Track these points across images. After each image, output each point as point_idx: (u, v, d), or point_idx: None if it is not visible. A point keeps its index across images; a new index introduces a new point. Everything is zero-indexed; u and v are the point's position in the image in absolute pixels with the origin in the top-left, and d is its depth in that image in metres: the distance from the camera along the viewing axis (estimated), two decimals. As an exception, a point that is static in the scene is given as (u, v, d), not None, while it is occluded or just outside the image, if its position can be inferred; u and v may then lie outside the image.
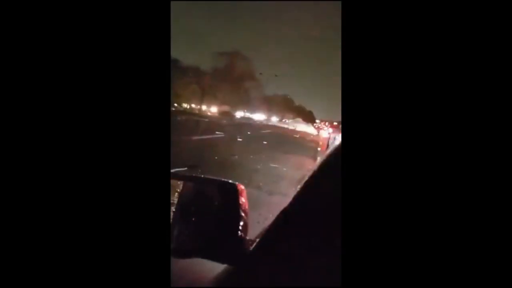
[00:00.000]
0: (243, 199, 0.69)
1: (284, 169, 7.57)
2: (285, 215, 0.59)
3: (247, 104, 46.93)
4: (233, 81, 41.66)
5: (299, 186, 0.60)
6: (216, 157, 7.72)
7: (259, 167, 7.27)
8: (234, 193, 0.70)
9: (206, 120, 23.44)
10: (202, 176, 0.81)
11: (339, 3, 0.49)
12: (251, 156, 8.67)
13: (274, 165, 7.84)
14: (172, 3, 0.65)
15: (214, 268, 0.68)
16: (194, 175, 0.82)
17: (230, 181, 0.72)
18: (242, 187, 0.71)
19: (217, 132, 14.45)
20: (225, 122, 24.79)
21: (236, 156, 8.28)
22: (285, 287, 0.55)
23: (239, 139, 13.27)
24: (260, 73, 46.62)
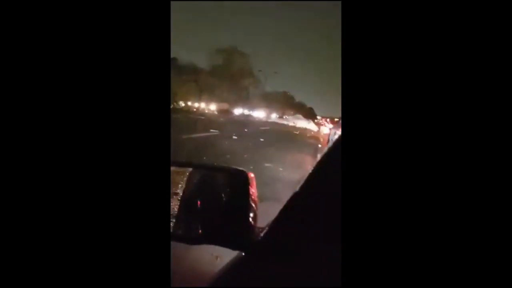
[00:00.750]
0: (252, 189, 0.70)
1: (280, 168, 6.88)
2: (285, 209, 0.60)
3: (246, 102, 46.40)
4: (231, 78, 41.03)
5: (309, 171, 0.60)
6: (204, 157, 7.00)
7: (252, 167, 6.56)
8: (244, 181, 0.71)
9: (202, 118, 22.83)
10: (211, 163, 0.92)
11: (339, 3, 0.50)
12: (245, 155, 8.05)
13: (269, 165, 7.11)
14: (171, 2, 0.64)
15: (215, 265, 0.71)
16: (203, 163, 0.93)
17: (240, 168, 0.74)
18: (252, 175, 0.72)
19: (211, 130, 13.89)
20: (223, 119, 24.33)
21: (228, 156, 7.60)
22: (284, 287, 0.54)
23: (234, 137, 12.62)
24: (260, 70, 45.94)
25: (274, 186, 5.30)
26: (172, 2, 0.66)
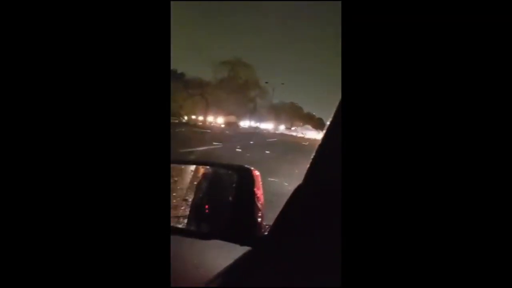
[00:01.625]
0: (258, 187, 0.73)
1: (286, 183, 6.13)
2: (290, 203, 0.62)
3: (254, 113, 45.92)
4: (237, 90, 40.61)
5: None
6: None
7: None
8: (250, 178, 0.74)
9: (208, 131, 22.27)
10: (218, 162, 0.89)
11: (339, 3, 0.49)
12: (247, 169, 7.26)
13: (273, 179, 6.38)
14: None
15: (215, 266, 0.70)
16: (211, 161, 0.91)
17: (246, 166, 0.77)
18: (257, 172, 0.75)
19: (214, 143, 13.25)
20: (228, 132, 23.73)
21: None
22: (285, 287, 0.54)
23: (238, 150, 11.95)
24: (266, 82, 45.46)
25: (279, 204, 4.59)
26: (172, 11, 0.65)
